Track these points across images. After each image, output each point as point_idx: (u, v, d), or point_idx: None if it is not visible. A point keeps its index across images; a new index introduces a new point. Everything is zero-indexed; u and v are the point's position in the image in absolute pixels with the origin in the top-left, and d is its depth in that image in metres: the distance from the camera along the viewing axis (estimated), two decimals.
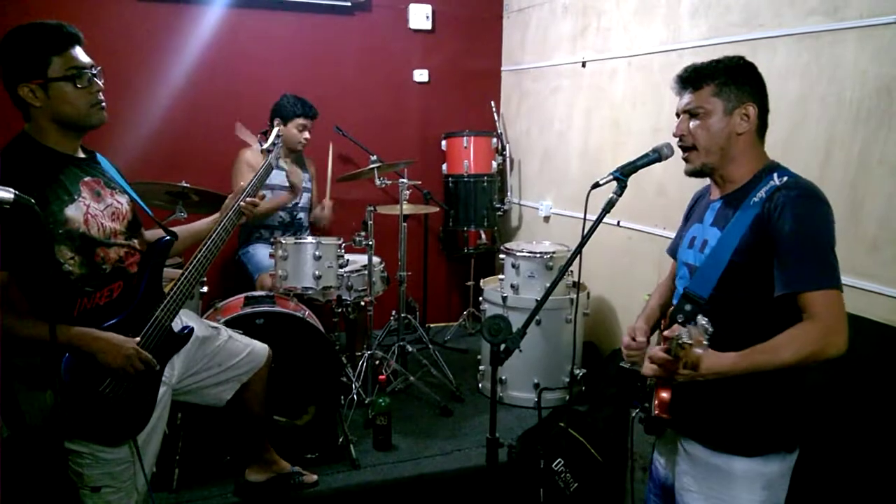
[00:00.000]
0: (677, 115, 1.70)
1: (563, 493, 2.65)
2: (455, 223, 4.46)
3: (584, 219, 1.78)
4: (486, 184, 4.43)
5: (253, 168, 3.36)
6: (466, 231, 4.44)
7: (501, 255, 3.58)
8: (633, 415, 1.89)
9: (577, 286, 2.90)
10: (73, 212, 1.73)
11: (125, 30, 3.89)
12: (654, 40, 3.30)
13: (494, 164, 4.49)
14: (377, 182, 3.53)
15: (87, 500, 1.82)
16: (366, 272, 3.36)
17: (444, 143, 4.49)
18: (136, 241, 1.93)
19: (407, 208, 3.63)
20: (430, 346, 3.90)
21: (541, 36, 4.31)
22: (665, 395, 1.59)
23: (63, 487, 1.80)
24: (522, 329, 1.69)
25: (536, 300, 2.21)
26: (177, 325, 2.01)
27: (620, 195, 1.73)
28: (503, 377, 3.46)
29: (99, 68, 1.80)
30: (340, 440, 2.93)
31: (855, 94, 2.35)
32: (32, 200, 1.32)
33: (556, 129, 4.18)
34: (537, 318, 1.83)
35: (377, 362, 3.45)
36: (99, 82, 1.79)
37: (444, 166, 4.51)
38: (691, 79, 1.65)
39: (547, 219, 4.30)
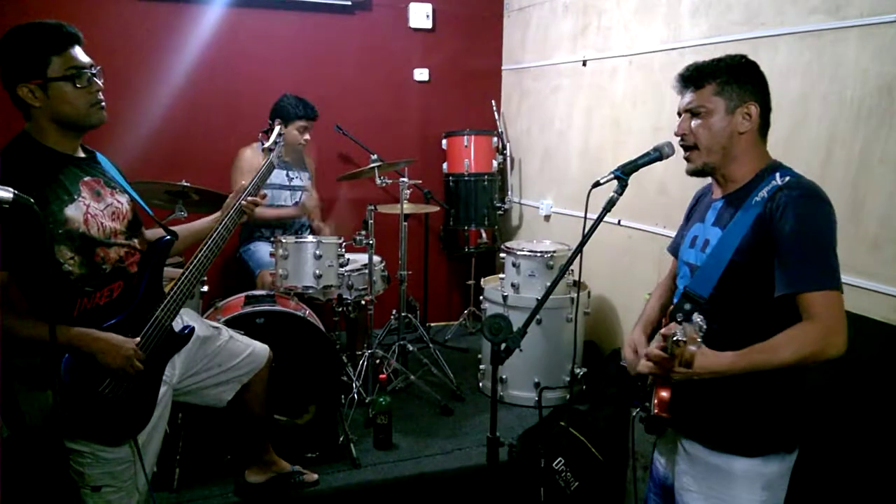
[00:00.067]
0: (679, 114, 1.69)
1: (563, 493, 2.65)
2: (456, 222, 4.46)
3: (585, 218, 1.78)
4: (486, 183, 4.43)
5: (252, 167, 3.36)
6: (467, 230, 4.44)
7: (502, 254, 3.57)
8: (634, 414, 1.89)
9: (578, 285, 2.90)
10: (73, 212, 1.73)
11: (125, 29, 3.88)
12: (655, 39, 3.30)
13: (495, 163, 4.49)
14: (378, 181, 3.53)
15: (87, 499, 1.82)
16: (366, 271, 3.36)
17: (444, 142, 4.49)
18: (136, 240, 1.93)
19: (407, 207, 3.63)
20: (431, 345, 3.90)
21: (541, 35, 4.31)
22: (665, 394, 1.58)
23: (64, 487, 1.80)
24: (523, 328, 1.68)
25: (537, 299, 2.21)
26: (177, 325, 2.01)
27: (621, 194, 1.73)
28: (504, 376, 3.46)
29: (98, 68, 1.79)
30: (341, 439, 2.93)
31: (856, 92, 2.35)
32: (31, 200, 1.31)
33: (556, 128, 4.17)
34: (538, 317, 1.83)
35: (378, 361, 3.45)
36: (98, 82, 1.79)
37: (445, 165, 4.51)
38: (693, 78, 1.64)
39: (547, 218, 4.30)
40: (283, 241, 3.11)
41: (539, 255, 3.42)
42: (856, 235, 2.33)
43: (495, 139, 4.51)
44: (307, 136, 3.63)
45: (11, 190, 1.28)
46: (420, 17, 4.49)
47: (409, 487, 2.80)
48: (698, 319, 1.45)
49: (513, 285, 3.46)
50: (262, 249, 3.55)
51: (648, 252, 3.35)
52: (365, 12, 4.40)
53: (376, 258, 3.40)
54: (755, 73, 1.63)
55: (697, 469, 1.65)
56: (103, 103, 1.80)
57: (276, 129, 2.50)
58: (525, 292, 3.43)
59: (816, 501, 2.04)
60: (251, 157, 3.54)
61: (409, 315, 4.02)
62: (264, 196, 2.28)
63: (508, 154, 4.63)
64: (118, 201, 1.88)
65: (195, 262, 1.97)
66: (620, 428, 2.75)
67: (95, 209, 1.79)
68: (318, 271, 3.09)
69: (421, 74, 4.59)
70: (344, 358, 3.45)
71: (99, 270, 1.79)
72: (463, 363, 3.98)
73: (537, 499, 2.61)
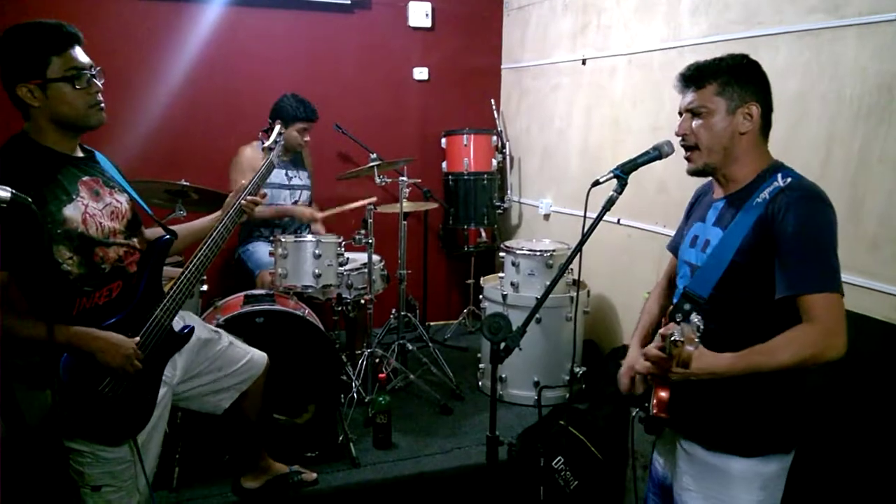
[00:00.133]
0: (679, 113, 1.68)
1: (563, 492, 2.65)
2: (455, 221, 4.46)
3: (585, 217, 1.77)
4: (486, 182, 4.42)
5: (252, 166, 3.35)
6: (466, 229, 4.44)
7: (501, 253, 3.57)
8: (633, 414, 1.89)
9: (578, 284, 2.90)
10: (72, 211, 1.73)
11: (124, 28, 3.88)
12: (655, 38, 3.30)
13: (494, 161, 4.49)
14: (377, 180, 3.53)
15: (87, 499, 1.82)
16: (366, 270, 3.35)
17: (443, 140, 4.49)
18: (135, 240, 1.92)
19: (407, 206, 3.63)
20: (430, 344, 3.90)
21: (541, 33, 4.30)
22: (664, 394, 1.58)
23: (64, 486, 1.80)
24: (522, 327, 1.68)
25: (536, 298, 2.20)
26: (177, 325, 2.00)
27: (621, 193, 1.72)
28: (503, 375, 3.46)
29: (98, 68, 1.79)
30: (340, 438, 2.93)
31: (855, 91, 2.35)
32: (29, 199, 1.31)
33: (556, 126, 4.17)
34: (537, 316, 1.83)
35: (377, 360, 3.45)
36: (98, 83, 1.78)
37: (444, 164, 4.51)
38: (694, 77, 1.63)
39: (547, 217, 4.30)
40: (283, 240, 3.11)
41: (538, 254, 3.42)
42: (855, 234, 2.32)
43: (495, 138, 4.51)
44: (307, 138, 3.62)
45: (9, 189, 1.28)
46: (419, 15, 4.49)
47: (408, 487, 2.80)
48: (696, 320, 1.45)
49: (512, 284, 3.46)
50: (262, 249, 3.55)
51: (648, 251, 3.35)
52: (364, 11, 4.40)
53: (376, 257, 3.40)
54: (757, 73, 1.63)
55: (696, 469, 1.65)
56: (102, 104, 1.80)
57: (276, 128, 2.50)
58: (524, 291, 3.43)
59: (815, 501, 2.04)
60: (251, 156, 3.53)
61: (409, 314, 4.02)
62: (264, 195, 2.28)
63: (508, 153, 4.63)
64: (117, 201, 1.88)
65: (195, 261, 1.97)
66: (620, 427, 2.75)
67: (94, 209, 1.79)
68: (317, 270, 3.09)
69: (420, 73, 4.59)
70: (343, 357, 3.45)
71: (98, 270, 1.79)
72: (462, 362, 3.98)
73: (537, 498, 2.61)
